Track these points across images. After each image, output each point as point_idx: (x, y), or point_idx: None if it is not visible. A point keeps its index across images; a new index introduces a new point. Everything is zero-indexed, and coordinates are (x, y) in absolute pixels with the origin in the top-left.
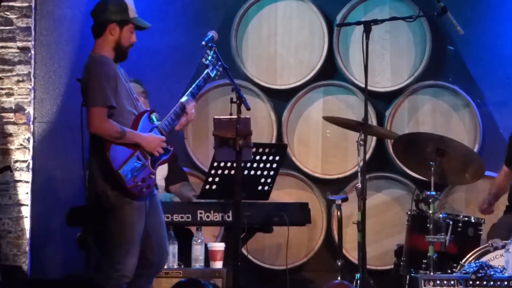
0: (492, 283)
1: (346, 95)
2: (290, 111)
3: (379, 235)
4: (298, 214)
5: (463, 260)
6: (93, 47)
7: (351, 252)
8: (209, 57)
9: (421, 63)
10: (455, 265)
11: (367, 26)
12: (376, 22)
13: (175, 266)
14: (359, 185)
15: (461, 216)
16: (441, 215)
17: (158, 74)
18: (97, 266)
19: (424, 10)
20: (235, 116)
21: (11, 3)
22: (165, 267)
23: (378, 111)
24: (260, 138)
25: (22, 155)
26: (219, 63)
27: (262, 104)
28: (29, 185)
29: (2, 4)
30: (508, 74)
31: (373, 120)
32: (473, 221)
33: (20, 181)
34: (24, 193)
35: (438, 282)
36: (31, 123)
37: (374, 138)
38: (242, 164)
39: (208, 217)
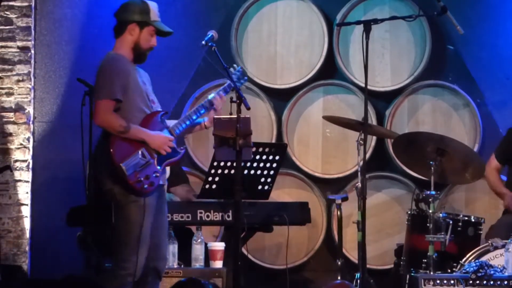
0: (492, 282)
1: (346, 95)
2: (290, 110)
3: (379, 234)
4: (298, 214)
5: (463, 260)
6: (113, 47)
7: (351, 251)
8: (235, 71)
9: (421, 63)
10: (455, 264)
11: (367, 26)
12: (376, 21)
13: (175, 266)
14: (359, 184)
15: (461, 216)
16: (441, 215)
17: (158, 74)
18: (97, 266)
19: (424, 9)
20: (235, 116)
21: (11, 3)
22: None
23: (378, 110)
24: (260, 137)
25: (22, 154)
26: (245, 78)
27: (262, 104)
28: (29, 184)
29: (2, 3)
30: (508, 74)
31: (373, 120)
32: (473, 220)
33: (20, 180)
34: (24, 192)
35: (438, 281)
36: (31, 122)
37: (374, 137)
38: (242, 164)
39: (208, 216)
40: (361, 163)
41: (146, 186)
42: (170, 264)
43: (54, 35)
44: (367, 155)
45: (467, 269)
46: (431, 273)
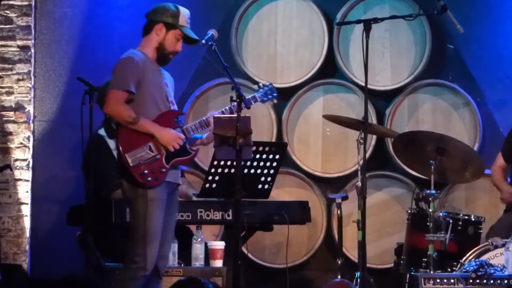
0: (492, 281)
1: (346, 94)
2: (290, 109)
3: (379, 233)
4: (298, 213)
5: (463, 259)
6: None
7: (351, 250)
8: (264, 86)
9: (421, 62)
10: (455, 263)
11: (367, 25)
12: (376, 20)
13: (175, 265)
14: (359, 183)
15: (461, 215)
16: (441, 214)
17: None
18: (97, 265)
19: (424, 8)
20: (235, 115)
21: (11, 2)
22: None
23: (378, 109)
24: (260, 136)
25: (22, 153)
26: (274, 94)
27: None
28: (29, 183)
29: (2, 2)
30: (508, 73)
31: (373, 119)
32: (473, 219)
33: (20, 179)
34: (24, 191)
35: (438, 280)
36: (31, 121)
37: (374, 136)
38: (242, 163)
39: (208, 215)
40: (361, 162)
41: (149, 179)
42: (170, 263)
43: (54, 34)
44: (367, 154)
45: (467, 268)
46: (431, 272)
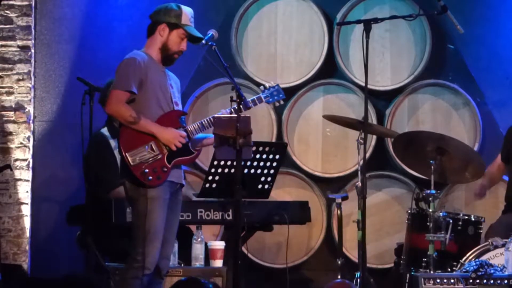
0: (492, 281)
1: (346, 94)
2: (290, 109)
3: (379, 233)
4: (298, 213)
5: (463, 259)
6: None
7: (351, 250)
8: (270, 87)
9: (421, 62)
10: (455, 263)
11: (367, 25)
12: (376, 20)
13: (175, 265)
14: (359, 183)
15: (461, 215)
16: (441, 214)
17: None
18: (97, 265)
19: (424, 8)
20: (235, 115)
21: (11, 2)
22: None
23: (378, 109)
24: (260, 136)
25: (22, 153)
26: (280, 95)
27: (263, 103)
28: (29, 183)
29: (2, 2)
30: (508, 73)
31: (373, 119)
32: (473, 219)
33: (20, 179)
34: (24, 191)
35: (438, 280)
36: (31, 121)
37: (374, 136)
38: (242, 163)
39: (208, 215)
40: (361, 162)
41: (151, 177)
42: (170, 263)
43: (54, 34)
44: (367, 154)
45: (467, 268)
46: (431, 272)
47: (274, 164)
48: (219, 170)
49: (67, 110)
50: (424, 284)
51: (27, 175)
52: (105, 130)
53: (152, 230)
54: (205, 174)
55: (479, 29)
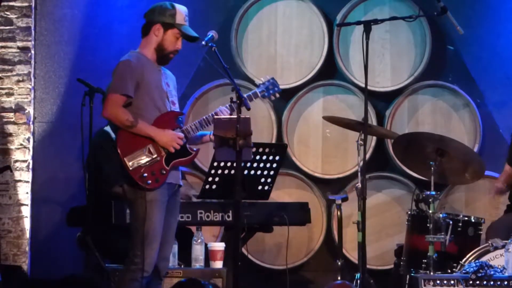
0: (492, 282)
1: (346, 95)
2: (290, 111)
3: (379, 235)
4: (298, 214)
5: (463, 260)
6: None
7: (351, 252)
8: (265, 81)
9: (421, 63)
10: (455, 265)
11: (367, 26)
12: (376, 22)
13: (175, 266)
14: (359, 185)
15: (461, 216)
16: (441, 215)
17: None
18: (97, 266)
19: (424, 9)
20: (235, 116)
21: (11, 3)
22: None
23: (378, 111)
24: (260, 138)
25: (22, 155)
26: (276, 88)
27: (262, 104)
28: (29, 185)
29: (2, 4)
30: (508, 74)
31: (373, 120)
32: (473, 220)
33: (20, 181)
34: (24, 193)
35: (438, 282)
36: (31, 123)
37: (374, 138)
38: (242, 164)
39: (208, 217)
40: (361, 163)
41: (150, 181)
42: (170, 265)
43: (54, 35)
44: (367, 156)
45: (467, 270)
46: (431, 273)
47: (274, 165)
48: (219, 172)
49: (67, 111)
50: (424, 285)
51: (27, 176)
52: (108, 128)
53: (150, 233)
54: (205, 175)
55: (479, 30)
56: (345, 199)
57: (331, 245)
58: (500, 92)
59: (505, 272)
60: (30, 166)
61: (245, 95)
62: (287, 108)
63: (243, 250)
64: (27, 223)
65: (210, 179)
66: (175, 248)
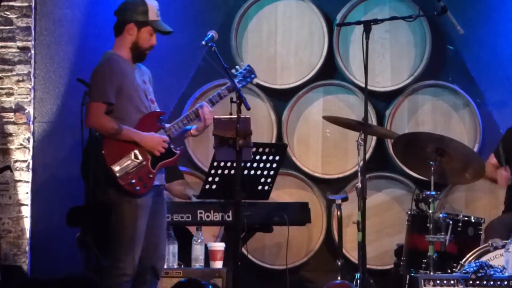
0: (492, 282)
1: (346, 95)
2: (290, 110)
3: (379, 234)
4: (298, 214)
5: (463, 260)
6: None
7: (351, 251)
8: (241, 69)
9: (421, 63)
10: (455, 264)
11: (367, 26)
12: (376, 21)
13: (175, 266)
14: (359, 184)
15: (461, 216)
16: (441, 215)
17: (158, 74)
18: (97, 266)
19: (424, 9)
20: (235, 116)
21: (11, 3)
22: (165, 266)
23: (378, 110)
24: (260, 138)
25: (22, 155)
26: (252, 76)
27: (262, 104)
28: (29, 185)
29: (2, 3)
30: (508, 74)
31: (373, 120)
32: (473, 220)
33: (20, 181)
34: (24, 193)
35: (438, 281)
36: (31, 123)
37: (374, 137)
38: (242, 164)
39: (208, 217)
40: (361, 163)
41: (138, 187)
42: (170, 265)
43: (54, 35)
44: (367, 155)
45: (467, 270)
46: (431, 273)
47: (274, 165)
48: (219, 171)
49: (67, 111)
50: (424, 285)
51: (27, 176)
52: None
53: (136, 238)
54: (205, 175)
55: (479, 29)
56: (345, 199)
57: (331, 245)
58: (500, 92)
59: (505, 272)
60: (30, 166)
61: (221, 89)
62: (287, 108)
63: (243, 250)
64: (27, 223)
65: (210, 179)
66: (175, 248)
